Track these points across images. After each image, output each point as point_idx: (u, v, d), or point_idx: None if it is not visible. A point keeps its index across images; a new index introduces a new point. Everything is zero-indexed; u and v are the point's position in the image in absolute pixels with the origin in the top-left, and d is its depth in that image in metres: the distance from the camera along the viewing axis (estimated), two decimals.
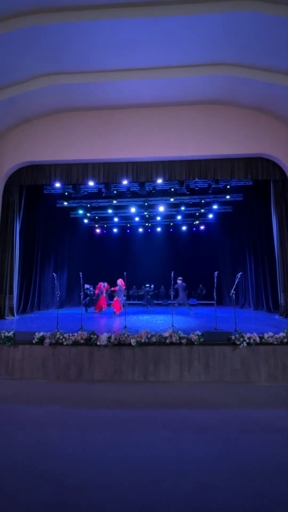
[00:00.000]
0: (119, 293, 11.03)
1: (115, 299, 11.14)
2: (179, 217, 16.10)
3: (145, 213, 15.40)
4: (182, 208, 14.19)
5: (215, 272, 7.43)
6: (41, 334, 6.22)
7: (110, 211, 14.29)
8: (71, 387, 5.60)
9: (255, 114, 9.58)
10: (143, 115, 9.80)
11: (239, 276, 7.18)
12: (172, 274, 8.92)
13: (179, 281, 11.57)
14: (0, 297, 9.71)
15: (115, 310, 10.95)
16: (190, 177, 9.98)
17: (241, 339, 5.91)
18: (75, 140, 9.83)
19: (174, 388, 5.51)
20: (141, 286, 15.86)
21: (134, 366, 5.96)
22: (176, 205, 14.22)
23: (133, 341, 5.97)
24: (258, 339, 5.93)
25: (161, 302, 16.71)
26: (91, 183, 10.63)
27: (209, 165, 9.88)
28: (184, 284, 11.65)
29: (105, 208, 14.49)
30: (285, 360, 5.87)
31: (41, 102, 9.21)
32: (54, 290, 13.99)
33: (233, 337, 5.97)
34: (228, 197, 12.17)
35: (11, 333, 6.26)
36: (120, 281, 11.06)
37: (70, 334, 6.20)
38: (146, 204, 13.93)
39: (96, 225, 17.19)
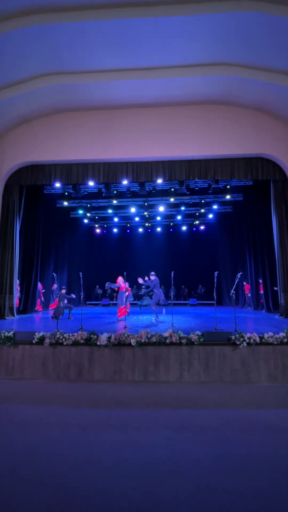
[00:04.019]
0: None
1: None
2: (179, 217, 16.09)
3: (145, 213, 15.40)
4: (182, 208, 14.18)
5: (215, 272, 7.43)
6: (41, 334, 6.22)
7: (110, 211, 14.29)
8: (71, 387, 5.60)
9: (255, 114, 9.58)
10: (143, 115, 9.80)
11: (239, 276, 7.19)
12: (172, 274, 8.91)
13: (152, 277, 9.65)
14: (0, 297, 9.71)
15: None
16: (190, 177, 9.98)
17: (241, 339, 5.91)
18: (75, 140, 9.83)
19: (174, 388, 5.51)
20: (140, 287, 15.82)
21: (134, 366, 5.96)
22: (176, 205, 14.21)
23: (133, 341, 5.97)
24: (258, 339, 5.93)
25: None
26: (91, 183, 10.62)
27: (209, 165, 9.87)
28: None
29: (105, 208, 14.48)
30: (285, 360, 5.87)
31: (41, 102, 9.21)
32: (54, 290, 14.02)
33: (233, 337, 5.97)
34: (228, 197, 12.17)
35: (11, 333, 6.26)
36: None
37: (70, 334, 6.19)
38: (146, 204, 13.93)
39: (96, 225, 17.18)
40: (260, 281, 12.57)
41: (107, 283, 10.15)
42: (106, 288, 13.02)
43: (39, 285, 12.93)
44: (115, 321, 9.37)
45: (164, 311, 10.43)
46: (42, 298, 13.31)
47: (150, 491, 2.72)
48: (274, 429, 3.90)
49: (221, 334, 6.13)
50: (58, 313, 8.93)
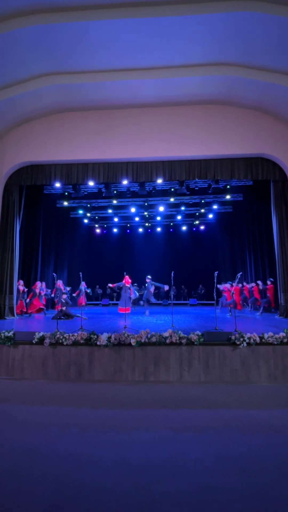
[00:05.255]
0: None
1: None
2: (179, 217, 16.10)
3: (145, 213, 15.42)
4: (182, 208, 14.19)
5: (215, 272, 7.43)
6: (41, 334, 6.22)
7: (110, 211, 14.30)
8: (71, 387, 5.60)
9: (255, 114, 9.58)
10: (143, 115, 9.80)
11: (239, 276, 7.19)
12: (172, 274, 8.92)
13: (148, 280, 11.01)
14: (0, 297, 9.71)
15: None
16: (190, 177, 9.98)
17: (241, 339, 5.91)
18: (75, 140, 9.83)
19: (174, 388, 5.51)
20: (141, 286, 15.85)
21: (134, 366, 5.96)
22: (176, 205, 14.22)
23: (133, 341, 5.96)
24: (258, 339, 5.92)
25: (161, 302, 16.71)
26: (91, 183, 10.62)
27: (209, 165, 9.87)
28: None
29: (105, 208, 14.49)
30: (285, 360, 5.87)
31: (41, 102, 9.21)
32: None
33: (233, 337, 5.97)
34: (228, 197, 12.18)
35: (11, 333, 6.26)
36: None
37: (70, 334, 6.19)
38: (146, 204, 13.94)
39: (96, 225, 17.20)
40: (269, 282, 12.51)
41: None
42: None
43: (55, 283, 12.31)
44: (123, 316, 9.53)
45: (147, 312, 11.05)
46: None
47: (150, 491, 2.72)
48: (274, 429, 3.90)
49: (221, 334, 6.13)
50: (58, 315, 8.94)
